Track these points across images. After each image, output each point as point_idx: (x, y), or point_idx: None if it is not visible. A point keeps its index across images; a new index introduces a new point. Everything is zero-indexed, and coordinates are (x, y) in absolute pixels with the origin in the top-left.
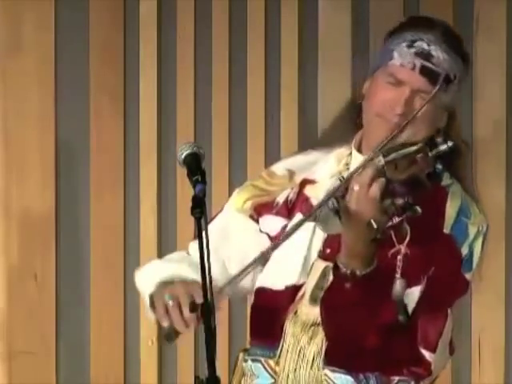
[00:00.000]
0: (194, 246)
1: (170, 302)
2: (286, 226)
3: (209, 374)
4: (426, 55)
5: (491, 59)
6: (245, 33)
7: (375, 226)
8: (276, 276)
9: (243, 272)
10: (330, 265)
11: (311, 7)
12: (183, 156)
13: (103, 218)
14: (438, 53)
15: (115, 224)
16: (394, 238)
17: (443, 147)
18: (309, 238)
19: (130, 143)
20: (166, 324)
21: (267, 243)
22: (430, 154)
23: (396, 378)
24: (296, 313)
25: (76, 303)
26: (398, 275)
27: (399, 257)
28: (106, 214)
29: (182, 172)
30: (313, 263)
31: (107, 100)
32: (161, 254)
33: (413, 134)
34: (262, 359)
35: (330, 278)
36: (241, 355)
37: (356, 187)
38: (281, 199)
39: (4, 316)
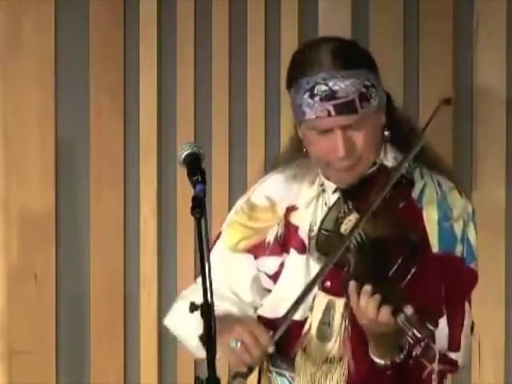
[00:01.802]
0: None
1: (238, 346)
2: (282, 263)
3: (209, 374)
4: (330, 95)
5: (491, 59)
6: (245, 32)
7: (401, 346)
8: (277, 309)
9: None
10: (334, 299)
11: (311, 7)
12: (183, 156)
13: (103, 218)
14: (338, 83)
15: (115, 224)
16: (426, 362)
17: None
18: (304, 272)
19: (130, 143)
20: (244, 368)
21: (267, 279)
22: (404, 177)
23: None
24: (305, 350)
25: (76, 303)
26: None
27: (433, 376)
28: (105, 213)
29: (182, 172)
30: (314, 296)
31: (107, 99)
32: (161, 254)
33: (370, 156)
34: (287, 374)
35: (336, 315)
36: (265, 364)
37: (365, 321)
38: (271, 238)
39: (4, 316)
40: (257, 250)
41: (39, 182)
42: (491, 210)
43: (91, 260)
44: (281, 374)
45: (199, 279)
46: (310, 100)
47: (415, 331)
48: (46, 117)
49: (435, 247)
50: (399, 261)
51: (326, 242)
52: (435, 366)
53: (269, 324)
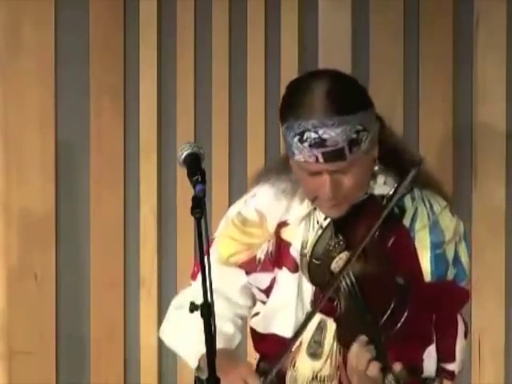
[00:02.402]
0: (198, 289)
1: None
2: (274, 278)
3: (209, 374)
4: (319, 143)
5: (491, 59)
6: (245, 33)
7: None
8: (268, 325)
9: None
10: (326, 319)
11: (311, 7)
12: (183, 156)
13: (103, 218)
14: (329, 132)
15: (115, 224)
16: None
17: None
18: (296, 290)
19: (130, 143)
20: None
21: (259, 292)
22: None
23: None
24: (294, 365)
25: (76, 303)
26: None
27: None
28: (105, 213)
29: (182, 172)
30: (307, 313)
31: (107, 100)
32: (161, 254)
33: (358, 195)
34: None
35: (327, 334)
36: (261, 364)
37: (355, 374)
38: (262, 255)
39: (4, 316)
40: (248, 266)
41: (39, 182)
42: (491, 209)
43: (91, 260)
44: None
45: (195, 284)
46: (299, 144)
47: (394, 370)
48: (46, 117)
49: (428, 276)
50: (391, 307)
51: (318, 274)
52: None
53: (260, 340)
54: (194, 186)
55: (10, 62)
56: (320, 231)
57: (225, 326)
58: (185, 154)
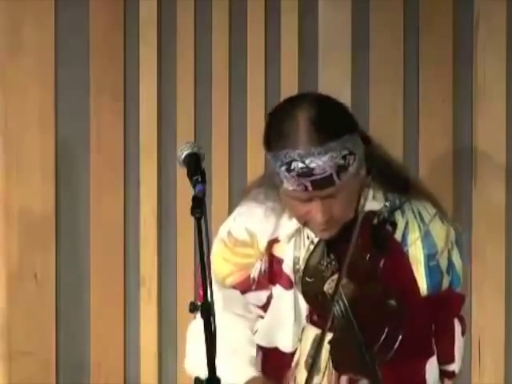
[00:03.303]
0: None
1: None
2: (270, 294)
3: (209, 374)
4: (307, 173)
5: (491, 59)
6: (245, 33)
7: None
8: (271, 339)
9: None
10: (319, 333)
11: (311, 7)
12: (183, 156)
13: (103, 219)
14: (316, 161)
15: (115, 224)
16: None
17: (383, 214)
18: (292, 305)
19: (129, 143)
20: None
21: (256, 308)
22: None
23: None
24: (295, 381)
25: (76, 303)
26: None
27: None
28: (105, 214)
29: (182, 172)
30: (303, 328)
31: (107, 100)
32: (161, 254)
33: (348, 216)
34: None
35: (323, 349)
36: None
37: None
38: (255, 274)
39: (4, 316)
40: (243, 287)
41: (39, 182)
42: (491, 209)
43: (91, 260)
44: None
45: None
46: (287, 173)
47: None
48: (46, 117)
49: (424, 290)
50: (385, 331)
51: (310, 293)
52: None
53: (265, 354)
54: (194, 186)
55: (10, 62)
56: (311, 247)
57: (251, 351)
58: (185, 153)
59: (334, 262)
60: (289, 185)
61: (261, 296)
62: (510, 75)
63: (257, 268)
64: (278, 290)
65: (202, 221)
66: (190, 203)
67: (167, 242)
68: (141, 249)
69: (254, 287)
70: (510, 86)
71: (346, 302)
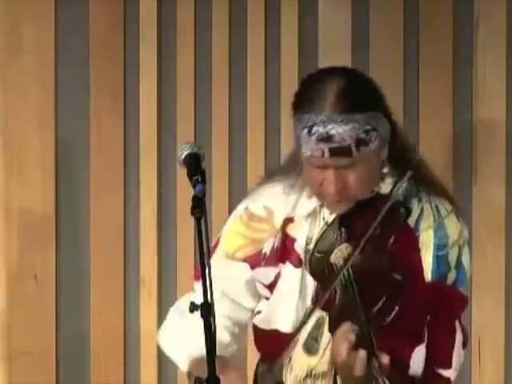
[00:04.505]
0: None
1: None
2: (279, 272)
3: (209, 374)
4: (326, 138)
5: (491, 59)
6: (245, 32)
7: None
8: (271, 322)
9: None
10: (324, 315)
11: (311, 7)
12: (183, 156)
13: (103, 218)
14: (337, 129)
15: (115, 224)
16: None
17: (401, 192)
18: (299, 285)
19: (129, 143)
20: None
21: (263, 288)
22: (398, 203)
23: None
24: (290, 361)
25: (76, 303)
26: None
27: None
28: (105, 214)
29: (182, 172)
30: (306, 310)
31: (107, 100)
32: (161, 254)
33: (364, 193)
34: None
35: (325, 331)
36: (261, 368)
37: (338, 360)
38: (267, 250)
39: (4, 316)
40: (253, 261)
41: (39, 182)
42: (491, 209)
43: (91, 260)
44: None
45: (197, 287)
46: (307, 137)
47: (386, 380)
48: (46, 117)
49: (428, 276)
50: (383, 299)
51: (318, 267)
52: None
53: (262, 337)
54: (194, 186)
55: (10, 62)
56: (325, 227)
57: (221, 335)
58: (185, 153)
59: (343, 235)
60: (307, 149)
61: (269, 273)
62: (510, 75)
63: (269, 243)
64: (286, 267)
65: (202, 221)
66: (190, 203)
67: (167, 241)
68: (141, 249)
69: (263, 263)
70: (510, 86)
71: (350, 271)
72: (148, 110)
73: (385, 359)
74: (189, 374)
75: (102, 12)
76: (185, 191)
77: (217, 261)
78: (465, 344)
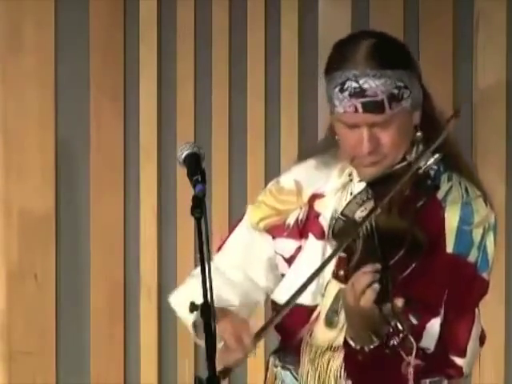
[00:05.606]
0: (222, 259)
1: (220, 346)
2: (299, 247)
3: (209, 373)
4: (359, 93)
5: (491, 59)
6: (245, 33)
7: (375, 339)
8: (290, 294)
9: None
10: (343, 287)
11: (311, 7)
12: (183, 156)
13: (103, 218)
14: (370, 83)
15: (115, 224)
16: (402, 353)
17: (430, 162)
18: (320, 258)
19: (130, 143)
20: (220, 367)
21: (283, 262)
22: (421, 172)
23: (427, 381)
24: (311, 335)
25: (76, 303)
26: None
27: (410, 369)
28: (105, 214)
29: (182, 172)
30: (327, 284)
31: (107, 100)
32: (161, 254)
33: (396, 155)
34: (291, 367)
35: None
36: (271, 359)
37: (350, 298)
38: (291, 221)
39: (4, 316)
40: (275, 231)
41: (39, 182)
42: None
43: (91, 260)
44: (285, 368)
45: (220, 264)
46: (339, 94)
47: (398, 323)
48: (46, 117)
49: (450, 248)
50: (401, 253)
51: (341, 229)
52: (412, 359)
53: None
54: (194, 186)
55: (11, 61)
56: (351, 197)
57: (233, 276)
58: (185, 153)
59: (370, 196)
60: (340, 107)
61: (290, 245)
62: (510, 75)
63: (294, 215)
64: (309, 240)
65: (202, 221)
66: (189, 203)
67: (167, 241)
68: (141, 249)
69: (285, 234)
70: (510, 86)
71: (373, 224)
72: (148, 110)
73: (399, 302)
74: (194, 324)
75: (101, 12)
76: (185, 191)
77: (240, 234)
78: (482, 341)
